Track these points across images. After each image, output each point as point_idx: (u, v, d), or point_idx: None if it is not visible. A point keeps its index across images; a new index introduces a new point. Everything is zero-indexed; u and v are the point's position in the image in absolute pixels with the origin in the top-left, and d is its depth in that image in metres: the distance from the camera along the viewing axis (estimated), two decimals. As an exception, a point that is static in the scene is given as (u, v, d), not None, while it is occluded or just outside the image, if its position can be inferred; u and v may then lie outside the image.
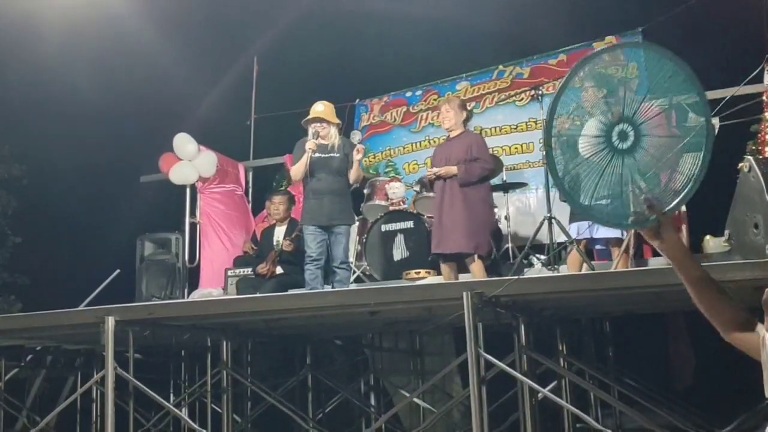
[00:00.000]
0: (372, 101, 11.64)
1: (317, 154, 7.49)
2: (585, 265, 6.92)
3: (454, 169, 7.28)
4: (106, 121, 12.00)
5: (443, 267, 7.41)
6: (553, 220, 7.27)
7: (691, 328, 8.40)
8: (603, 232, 6.93)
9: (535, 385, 5.90)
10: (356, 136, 11.43)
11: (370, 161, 11.32)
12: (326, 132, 7.58)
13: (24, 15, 10.49)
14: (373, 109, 11.60)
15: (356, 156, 7.47)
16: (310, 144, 7.46)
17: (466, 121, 7.64)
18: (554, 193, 7.11)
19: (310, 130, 7.57)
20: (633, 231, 6.45)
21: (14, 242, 11.84)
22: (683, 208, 7.99)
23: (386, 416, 6.99)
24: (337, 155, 7.54)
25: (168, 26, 11.38)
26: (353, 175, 7.56)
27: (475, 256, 7.17)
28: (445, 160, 7.42)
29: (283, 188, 10.18)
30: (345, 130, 11.13)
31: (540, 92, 7.64)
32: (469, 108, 7.96)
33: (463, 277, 7.38)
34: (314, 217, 7.44)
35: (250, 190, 11.90)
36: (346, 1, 11.31)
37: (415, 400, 8.13)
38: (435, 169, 7.40)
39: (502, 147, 10.10)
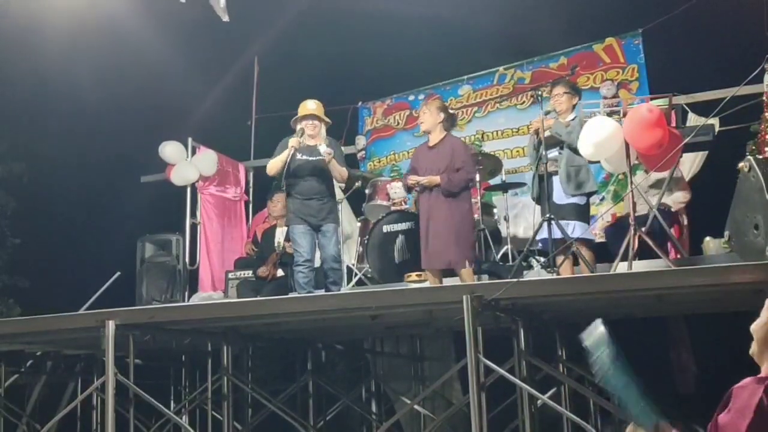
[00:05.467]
0: (375, 104, 11.63)
1: (304, 157, 7.43)
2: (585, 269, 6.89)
3: (437, 179, 7.11)
4: (106, 120, 11.96)
5: (428, 275, 7.32)
6: (552, 221, 7.23)
7: (692, 333, 8.38)
8: (578, 231, 6.90)
9: (535, 392, 5.88)
10: (361, 141, 11.45)
11: (374, 165, 11.31)
12: (317, 130, 7.52)
13: (25, 15, 10.46)
14: (375, 112, 11.60)
15: (327, 158, 7.43)
16: (293, 141, 7.39)
17: (445, 123, 7.42)
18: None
19: (299, 127, 7.51)
20: (633, 232, 6.43)
21: (13, 243, 11.82)
22: (670, 203, 7.98)
23: (387, 425, 6.96)
24: (324, 158, 7.48)
25: (168, 26, 11.32)
26: (336, 175, 7.55)
27: (466, 263, 7.11)
28: (431, 168, 7.25)
29: (284, 188, 10.14)
30: (348, 133, 11.18)
31: (539, 92, 7.61)
32: (451, 112, 7.79)
33: (451, 281, 7.33)
34: (301, 217, 7.41)
35: (251, 190, 11.91)
36: (347, 1, 11.27)
37: (416, 407, 8.11)
38: (419, 178, 7.23)
39: (503, 150, 10.09)
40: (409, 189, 7.42)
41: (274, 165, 7.51)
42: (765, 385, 2.01)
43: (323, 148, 7.42)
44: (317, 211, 7.41)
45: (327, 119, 7.67)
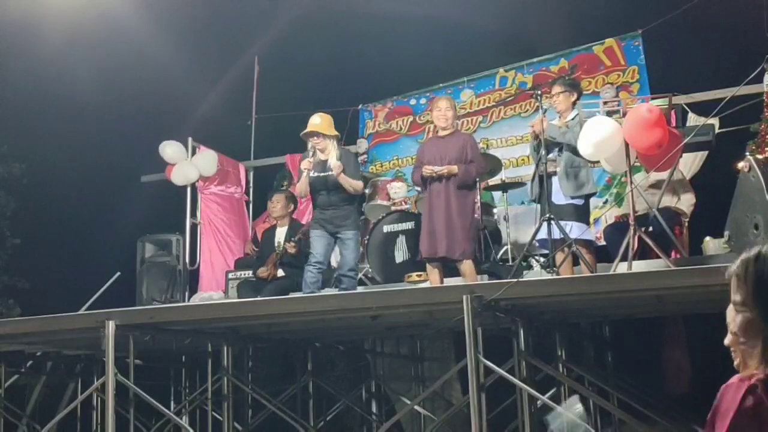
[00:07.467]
0: (376, 107, 11.59)
1: (315, 173, 7.56)
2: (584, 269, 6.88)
3: (455, 169, 7.17)
4: (106, 121, 11.97)
5: (431, 270, 7.30)
6: (552, 221, 7.21)
7: (688, 333, 8.36)
8: (576, 232, 6.89)
9: (534, 392, 5.87)
10: (362, 144, 11.43)
11: (377, 169, 11.28)
12: (323, 146, 7.60)
13: (24, 15, 10.47)
14: (377, 116, 11.56)
15: (336, 173, 7.51)
16: (304, 164, 7.57)
17: (456, 121, 7.70)
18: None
19: (309, 144, 7.65)
20: (633, 232, 6.43)
21: (13, 244, 11.81)
22: (684, 209, 7.99)
23: (387, 425, 6.96)
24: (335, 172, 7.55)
25: (169, 26, 11.35)
26: (347, 188, 7.59)
27: (469, 256, 7.14)
28: (439, 158, 7.31)
29: (284, 188, 10.13)
30: (348, 135, 11.15)
31: (538, 92, 7.59)
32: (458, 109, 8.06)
33: (451, 281, 7.33)
34: (321, 225, 7.57)
35: (251, 190, 11.89)
36: (347, 2, 11.28)
37: (416, 407, 8.11)
38: (437, 168, 7.23)
39: (508, 159, 10.02)
40: (423, 181, 7.42)
41: (299, 189, 7.83)
42: (748, 384, 2.01)
43: (332, 162, 7.53)
44: (332, 218, 7.54)
45: (332, 132, 7.71)
